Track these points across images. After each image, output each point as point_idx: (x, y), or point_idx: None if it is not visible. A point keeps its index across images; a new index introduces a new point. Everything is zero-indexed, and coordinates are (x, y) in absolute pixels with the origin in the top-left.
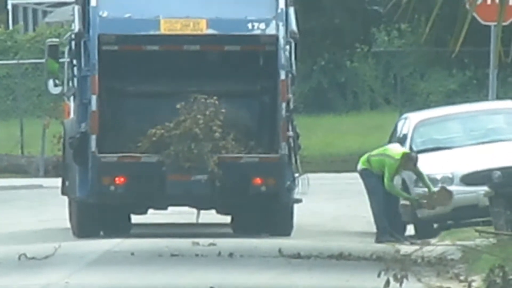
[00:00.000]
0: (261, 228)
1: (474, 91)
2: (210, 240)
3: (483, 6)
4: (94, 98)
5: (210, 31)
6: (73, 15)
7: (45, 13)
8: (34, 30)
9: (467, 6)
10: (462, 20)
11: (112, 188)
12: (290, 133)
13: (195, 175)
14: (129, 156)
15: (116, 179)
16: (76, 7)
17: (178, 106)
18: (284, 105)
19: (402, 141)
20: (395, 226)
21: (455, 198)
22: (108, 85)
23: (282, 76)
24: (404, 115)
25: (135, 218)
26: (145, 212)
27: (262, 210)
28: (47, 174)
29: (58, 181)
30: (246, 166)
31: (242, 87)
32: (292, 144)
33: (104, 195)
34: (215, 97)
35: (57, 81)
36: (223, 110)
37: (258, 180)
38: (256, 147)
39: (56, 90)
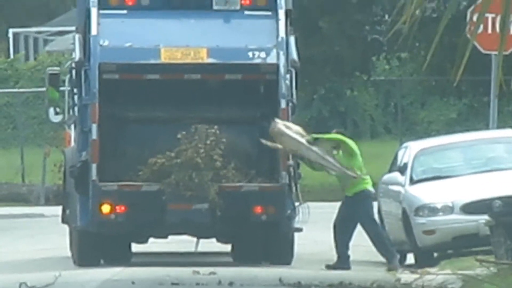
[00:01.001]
0: (261, 257)
1: (474, 120)
2: (211, 269)
3: (483, 35)
4: (94, 127)
5: (211, 60)
6: (74, 43)
7: (46, 42)
8: (35, 58)
9: (468, 35)
10: (462, 49)
11: (112, 216)
12: (291, 162)
13: (195, 204)
14: (130, 185)
15: (117, 207)
16: (77, 36)
17: (179, 135)
18: None
19: (402, 170)
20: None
21: (455, 227)
22: (108, 113)
23: (283, 105)
24: (405, 144)
25: (136, 247)
26: (145, 241)
27: (263, 239)
28: (47, 202)
29: (58, 210)
30: (247, 195)
31: (242, 116)
32: (292, 173)
33: (104, 224)
34: (216, 127)
35: (58, 110)
36: (223, 140)
37: (258, 209)
38: (256, 175)
39: (56, 119)
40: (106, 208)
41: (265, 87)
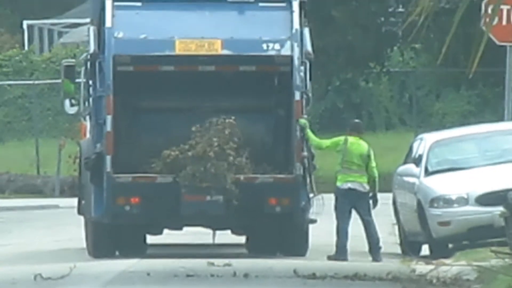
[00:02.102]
0: (276, 248)
1: (489, 111)
2: (225, 261)
3: (498, 27)
4: (109, 119)
5: (225, 52)
6: (88, 36)
7: (60, 34)
8: (49, 50)
9: (483, 27)
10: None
11: (127, 208)
12: (305, 153)
13: (210, 195)
14: (144, 176)
15: (131, 199)
16: (92, 28)
17: (193, 128)
18: (298, 126)
19: (417, 161)
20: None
21: (470, 218)
22: (123, 105)
23: (297, 96)
24: (420, 136)
25: (151, 239)
26: (160, 233)
27: (277, 230)
28: (62, 194)
29: (73, 201)
30: (261, 187)
31: (256, 107)
32: (306, 165)
33: (119, 215)
34: (231, 118)
35: (73, 101)
36: (237, 132)
37: (273, 200)
38: (270, 167)
39: (72, 110)
40: (120, 200)
41: (279, 79)
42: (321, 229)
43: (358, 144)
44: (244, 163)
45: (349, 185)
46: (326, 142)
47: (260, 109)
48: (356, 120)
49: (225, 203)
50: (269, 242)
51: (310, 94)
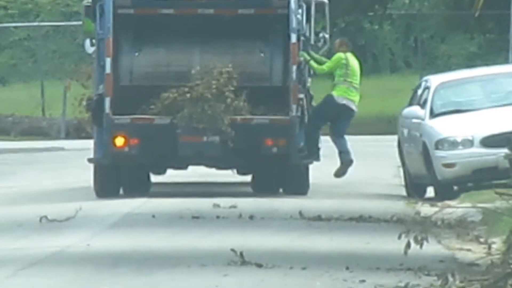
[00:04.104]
0: (278, 187)
1: (495, 54)
2: (231, 202)
3: None
4: (108, 61)
5: None
6: None
7: None
8: None
9: None
10: None
11: (126, 149)
12: (301, 95)
13: (206, 136)
14: (142, 118)
15: (130, 140)
16: None
17: (192, 71)
18: (294, 68)
19: (422, 103)
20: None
21: (475, 160)
22: (123, 48)
23: (293, 39)
24: (425, 78)
25: (155, 178)
26: (163, 172)
27: (276, 170)
28: (68, 136)
29: (79, 143)
30: (257, 128)
31: (255, 50)
32: (305, 106)
33: (118, 156)
34: (230, 65)
35: (93, 41)
36: (235, 76)
37: (269, 141)
38: (268, 109)
39: (92, 50)
40: (119, 141)
41: (276, 21)
42: (326, 171)
43: (356, 60)
44: (242, 105)
45: (345, 102)
46: (328, 65)
47: (258, 51)
48: (342, 38)
49: (222, 144)
50: (271, 181)
51: (308, 36)
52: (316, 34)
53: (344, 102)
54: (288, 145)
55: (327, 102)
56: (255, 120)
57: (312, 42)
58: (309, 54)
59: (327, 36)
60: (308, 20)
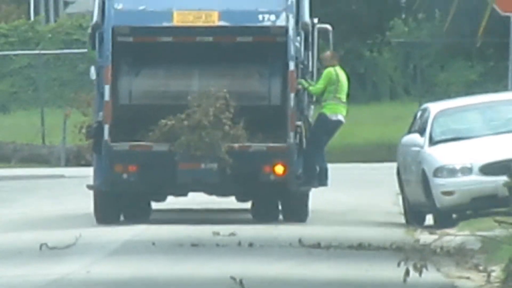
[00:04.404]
0: (277, 215)
1: (494, 81)
2: (230, 229)
3: None
4: (107, 88)
5: (222, 23)
6: (93, 6)
7: (66, 4)
8: (55, 21)
9: None
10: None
11: (124, 176)
12: (299, 122)
13: (204, 163)
14: (141, 145)
15: (129, 167)
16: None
17: (189, 98)
18: (292, 95)
19: (421, 131)
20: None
21: (474, 188)
22: (122, 75)
23: (291, 67)
24: (424, 105)
25: (156, 204)
26: (163, 199)
27: (274, 198)
28: (68, 163)
29: (79, 171)
30: (255, 155)
31: (252, 77)
32: (303, 133)
33: (117, 183)
34: (225, 90)
35: None
36: (233, 103)
37: (267, 169)
38: (266, 136)
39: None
40: (118, 168)
41: (275, 49)
42: (325, 198)
43: (344, 75)
44: (240, 132)
45: (339, 117)
46: (321, 83)
47: (256, 78)
48: (332, 51)
49: (220, 171)
50: (270, 208)
51: (307, 64)
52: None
53: (339, 117)
54: (286, 172)
55: (322, 122)
56: (252, 148)
57: (310, 69)
58: (307, 81)
59: (306, 64)
60: (307, 47)
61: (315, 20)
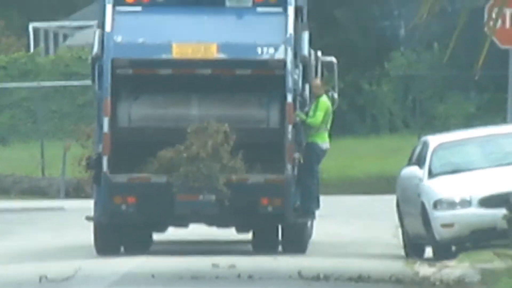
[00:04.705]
0: (277, 245)
1: (493, 114)
2: (230, 262)
3: (502, 30)
4: (106, 120)
5: (220, 56)
6: (94, 39)
7: (66, 36)
8: (54, 53)
9: (486, 30)
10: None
11: (123, 207)
12: (296, 154)
13: (202, 195)
14: (139, 177)
15: (127, 198)
16: (97, 31)
17: (188, 130)
18: (290, 127)
19: (420, 164)
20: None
21: (473, 220)
22: (121, 107)
23: (289, 99)
24: (423, 138)
25: (157, 235)
26: (164, 230)
27: (272, 229)
28: (67, 196)
29: (78, 203)
30: (253, 187)
31: (251, 109)
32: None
33: (116, 215)
34: (226, 124)
35: None
36: (232, 136)
37: (265, 200)
38: (264, 168)
39: None
40: (117, 199)
41: (273, 82)
42: (325, 230)
43: (329, 101)
44: (238, 164)
45: (328, 145)
46: (319, 114)
47: (255, 110)
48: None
49: (218, 203)
50: (269, 239)
51: (306, 97)
52: (326, 93)
53: (327, 146)
54: (284, 204)
55: (315, 151)
56: (250, 180)
57: (309, 101)
58: (302, 112)
59: (336, 95)
60: (305, 80)
61: (319, 53)
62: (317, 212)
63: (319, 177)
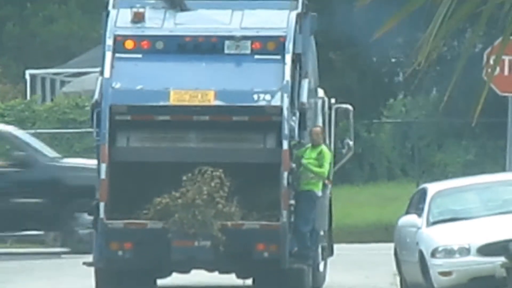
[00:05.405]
0: None
1: (491, 162)
2: None
3: (500, 77)
4: (103, 167)
5: (218, 102)
6: (96, 85)
7: (63, 83)
8: (51, 100)
9: (485, 77)
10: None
11: (120, 253)
12: (292, 201)
13: (198, 241)
14: (135, 223)
15: (124, 244)
16: (99, 78)
17: (184, 177)
18: (286, 174)
19: (419, 212)
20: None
21: (472, 268)
22: (119, 153)
23: (285, 146)
24: (421, 186)
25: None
26: (166, 276)
27: (270, 275)
28: (64, 244)
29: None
30: (248, 233)
31: (248, 155)
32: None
33: (113, 260)
34: (220, 170)
35: None
36: (228, 183)
37: (260, 246)
38: (260, 215)
39: None
40: (113, 245)
41: (270, 128)
42: (327, 279)
43: None
44: (233, 210)
45: (321, 192)
46: (326, 166)
47: (252, 156)
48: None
49: (213, 249)
50: (269, 285)
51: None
52: (341, 141)
53: (321, 193)
54: (279, 250)
55: (312, 199)
56: (245, 226)
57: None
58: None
59: (351, 143)
60: (303, 127)
61: (333, 100)
62: (328, 260)
63: (315, 225)
